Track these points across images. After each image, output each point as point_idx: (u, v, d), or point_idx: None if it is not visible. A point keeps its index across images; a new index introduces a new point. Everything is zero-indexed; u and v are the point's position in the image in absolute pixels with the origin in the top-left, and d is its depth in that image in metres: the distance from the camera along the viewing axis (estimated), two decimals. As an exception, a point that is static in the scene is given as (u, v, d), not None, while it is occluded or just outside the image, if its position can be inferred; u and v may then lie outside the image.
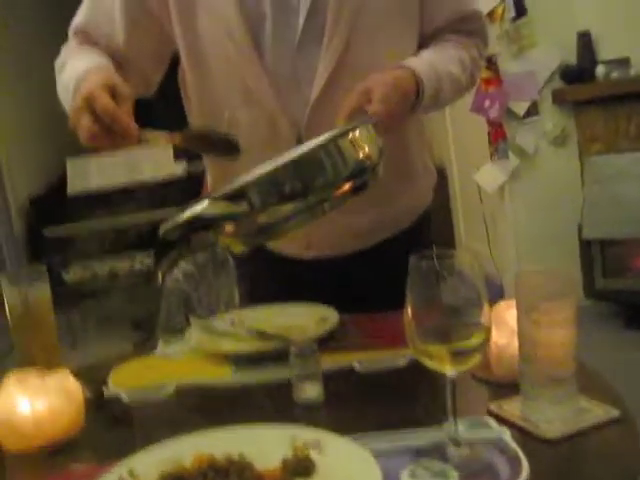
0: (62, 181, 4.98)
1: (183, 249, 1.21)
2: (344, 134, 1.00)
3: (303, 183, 0.97)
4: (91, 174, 4.87)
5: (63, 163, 5.00)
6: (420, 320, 0.75)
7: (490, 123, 3.57)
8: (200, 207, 0.96)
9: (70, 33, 1.41)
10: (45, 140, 5.47)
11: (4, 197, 4.68)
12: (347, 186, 1.00)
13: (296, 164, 0.98)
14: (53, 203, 4.84)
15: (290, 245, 1.42)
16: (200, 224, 0.99)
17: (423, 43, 1.38)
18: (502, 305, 0.98)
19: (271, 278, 1.48)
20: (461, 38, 1.40)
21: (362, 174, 1.02)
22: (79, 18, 1.39)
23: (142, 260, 4.63)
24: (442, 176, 4.60)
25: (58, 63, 1.37)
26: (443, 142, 4.50)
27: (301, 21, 1.26)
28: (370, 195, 1.33)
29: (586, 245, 3.52)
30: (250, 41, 1.26)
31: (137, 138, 1.12)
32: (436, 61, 1.30)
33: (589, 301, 3.49)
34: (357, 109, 1.14)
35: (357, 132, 1.01)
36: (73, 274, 4.56)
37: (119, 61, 1.36)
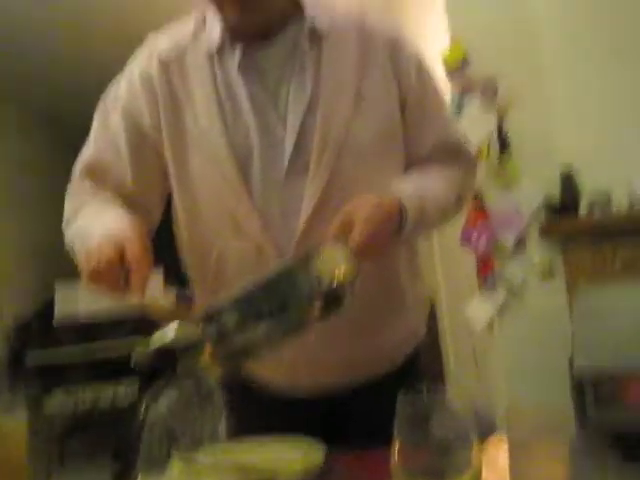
0: (49, 306, 4.96)
1: (168, 379, 1.19)
2: (317, 253, 1.01)
3: (275, 302, 0.97)
4: (79, 301, 4.86)
5: (51, 289, 4.99)
6: (408, 460, 0.73)
7: (478, 257, 3.61)
8: (167, 333, 0.96)
9: (77, 170, 1.44)
10: (34, 266, 5.49)
11: (-12, 319, 4.65)
12: (320, 305, 1.01)
13: (268, 284, 0.98)
14: (39, 328, 4.80)
15: (277, 380, 1.40)
16: (172, 348, 0.98)
17: (409, 169, 1.42)
18: (493, 441, 0.95)
19: (257, 413, 1.45)
20: (446, 162, 1.43)
21: (336, 293, 1.02)
22: (87, 157, 1.43)
23: (126, 389, 4.54)
24: (431, 309, 4.60)
25: (72, 208, 1.40)
26: (432, 275, 4.52)
27: (287, 155, 1.30)
28: (358, 326, 1.34)
29: (578, 378, 3.48)
30: (239, 176, 1.30)
31: (142, 297, 1.12)
32: (420, 184, 1.34)
33: (582, 435, 3.41)
34: (341, 232, 1.15)
35: (331, 251, 1.02)
36: (54, 401, 4.45)
37: (127, 201, 1.40)
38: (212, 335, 0.97)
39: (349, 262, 1.06)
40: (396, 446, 0.73)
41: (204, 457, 1.23)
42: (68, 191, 1.44)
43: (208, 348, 0.99)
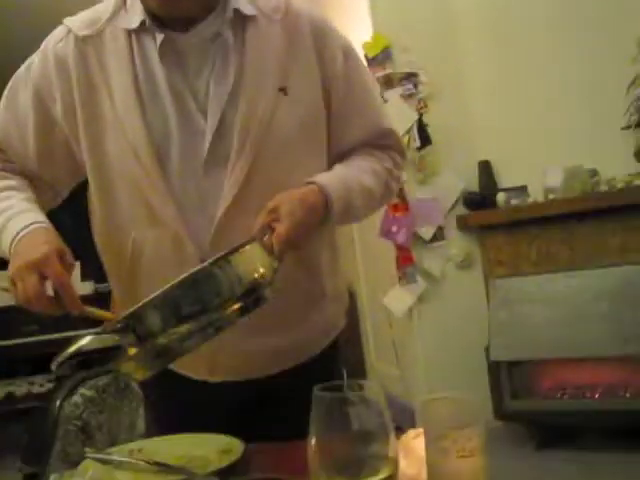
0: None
1: (84, 373, 1.17)
2: (236, 253, 1.01)
3: (196, 304, 0.98)
4: (3, 283, 4.71)
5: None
6: (324, 454, 0.72)
7: (398, 248, 3.65)
8: (84, 342, 0.97)
9: None
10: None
11: None
12: (240, 305, 1.00)
13: (189, 285, 0.98)
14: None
15: (195, 370, 1.38)
16: (91, 356, 0.98)
17: (337, 160, 1.40)
18: (411, 434, 0.96)
19: (176, 403, 1.42)
20: (374, 151, 1.42)
21: (255, 293, 1.02)
22: None
23: (42, 384, 4.42)
24: (352, 299, 4.63)
25: None
26: (352, 266, 4.55)
27: (207, 143, 1.28)
28: (278, 318, 1.33)
29: (494, 367, 3.56)
30: (156, 162, 1.27)
31: (80, 310, 1.13)
32: (345, 173, 1.33)
33: (499, 423, 3.50)
34: (265, 228, 1.16)
35: (250, 251, 1.04)
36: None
37: (31, 177, 1.38)
38: (133, 339, 0.97)
39: (269, 261, 1.06)
40: (312, 441, 0.72)
41: (119, 454, 1.19)
42: None
43: (130, 351, 0.99)
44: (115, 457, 1.17)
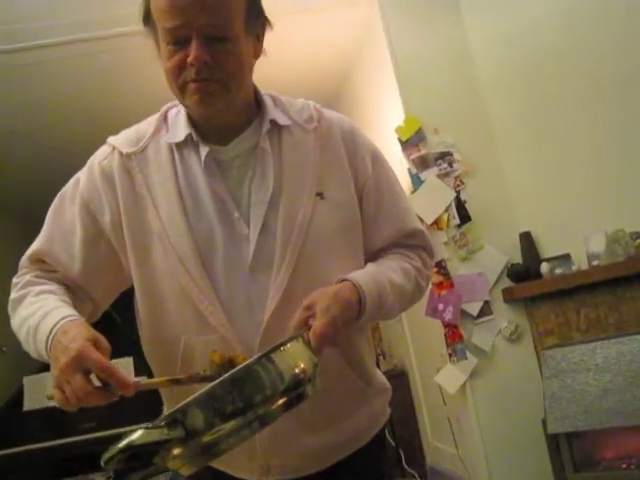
0: (18, 399, 4.87)
1: (143, 472, 1.20)
2: (278, 350, 1.04)
3: (239, 402, 1.00)
4: (48, 391, 4.78)
5: (19, 381, 4.91)
6: None
7: (446, 325, 3.65)
8: (135, 436, 0.98)
9: (25, 258, 1.44)
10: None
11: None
12: (284, 401, 1.03)
13: (232, 383, 1.01)
14: (8, 422, 4.69)
15: (250, 472, 1.40)
16: (139, 451, 1.00)
17: (368, 259, 1.45)
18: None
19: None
20: (403, 251, 1.47)
21: (298, 388, 1.05)
22: (37, 246, 1.43)
23: (99, 484, 4.43)
24: (404, 378, 4.62)
25: (16, 297, 1.38)
26: (403, 346, 4.54)
27: (252, 249, 1.33)
28: (328, 415, 1.37)
29: (552, 439, 3.49)
30: (202, 269, 1.32)
31: (134, 389, 1.12)
32: (377, 271, 1.37)
33: (562, 498, 3.41)
34: (303, 325, 1.19)
35: (291, 347, 1.06)
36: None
37: (72, 289, 1.40)
38: (179, 436, 1.00)
39: (309, 357, 1.09)
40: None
41: None
42: (14, 279, 1.43)
43: (175, 449, 1.02)
44: None
